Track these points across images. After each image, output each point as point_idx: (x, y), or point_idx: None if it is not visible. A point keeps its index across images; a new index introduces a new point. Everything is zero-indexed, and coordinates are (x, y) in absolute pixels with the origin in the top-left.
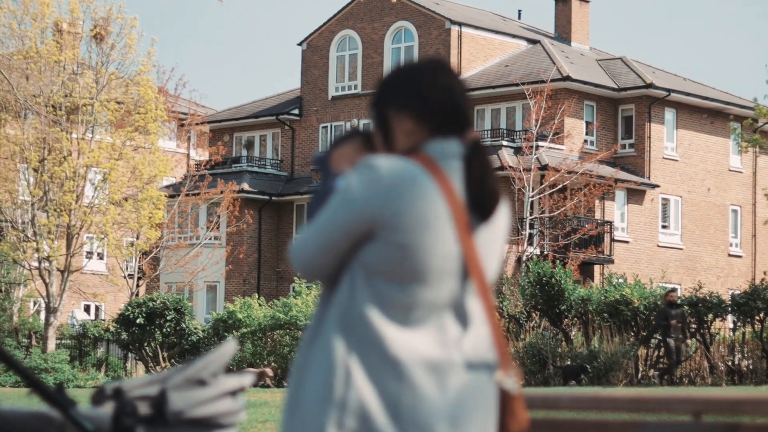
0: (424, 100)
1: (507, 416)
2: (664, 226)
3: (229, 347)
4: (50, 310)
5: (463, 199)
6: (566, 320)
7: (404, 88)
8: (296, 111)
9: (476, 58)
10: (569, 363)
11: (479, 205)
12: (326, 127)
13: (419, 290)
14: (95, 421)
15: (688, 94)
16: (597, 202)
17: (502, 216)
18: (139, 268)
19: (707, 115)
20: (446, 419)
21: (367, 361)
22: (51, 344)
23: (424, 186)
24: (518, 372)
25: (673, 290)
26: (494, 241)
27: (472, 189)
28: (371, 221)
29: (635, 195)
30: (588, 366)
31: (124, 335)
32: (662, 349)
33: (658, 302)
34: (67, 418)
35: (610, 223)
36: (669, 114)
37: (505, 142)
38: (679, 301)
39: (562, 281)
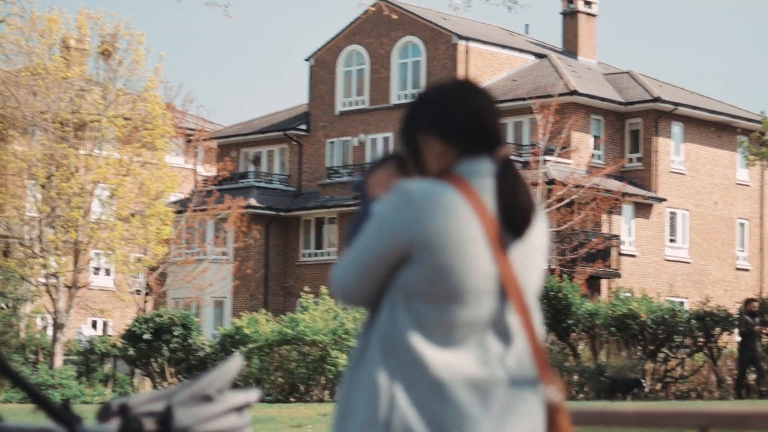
0: (452, 123)
1: (552, 430)
2: (671, 240)
3: (235, 363)
4: (57, 326)
5: (496, 216)
6: (573, 334)
7: (432, 110)
8: (304, 126)
9: (483, 73)
10: (622, 376)
11: (513, 221)
12: (333, 142)
13: (458, 310)
14: None
15: (695, 108)
16: (604, 216)
17: (539, 230)
18: (146, 284)
19: (714, 128)
20: None
21: (411, 383)
22: (58, 360)
23: (456, 206)
24: (563, 386)
25: (754, 299)
26: (532, 256)
27: (505, 206)
28: (406, 244)
29: (642, 209)
30: (643, 380)
31: (131, 351)
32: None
33: (739, 310)
34: None
35: (617, 237)
36: (676, 128)
37: (512, 157)
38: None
39: (569, 295)
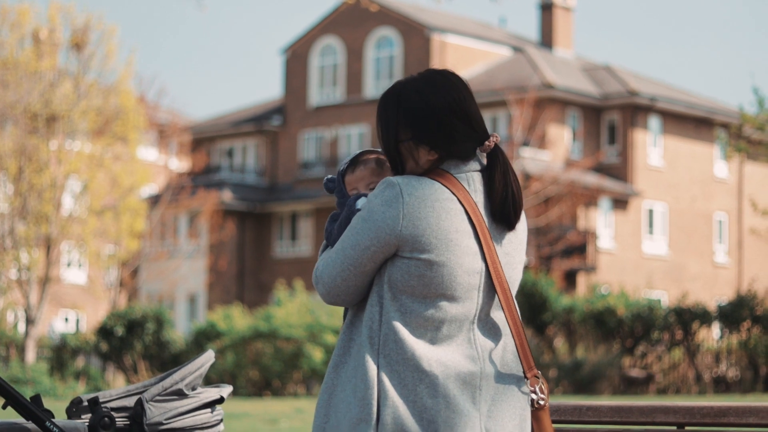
0: (437, 131)
1: (534, 429)
2: (649, 235)
3: (206, 358)
4: (29, 321)
5: (485, 211)
6: (551, 329)
7: (413, 117)
8: (278, 120)
9: (459, 66)
10: None
11: (504, 213)
12: (308, 136)
13: (447, 306)
14: None
15: (673, 102)
16: (581, 210)
17: (523, 224)
18: (119, 279)
19: (692, 122)
20: None
21: (401, 379)
22: (30, 355)
23: (445, 202)
24: (546, 383)
25: None
26: (516, 251)
27: (496, 198)
28: (396, 240)
29: (620, 203)
30: None
31: (104, 346)
32: (646, 357)
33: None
34: (44, 429)
35: (595, 232)
36: (654, 122)
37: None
38: None
39: (546, 290)
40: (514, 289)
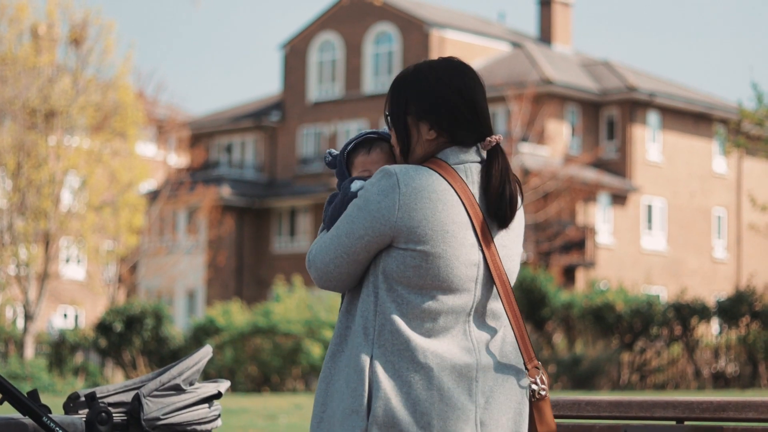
0: (446, 111)
1: (535, 420)
2: (647, 230)
3: (204, 353)
4: (28, 317)
5: (481, 205)
6: (549, 325)
7: (424, 95)
8: (277, 115)
9: None
10: None
11: (499, 212)
12: (307, 131)
13: (443, 298)
14: (69, 427)
15: (672, 97)
16: (580, 206)
17: (519, 217)
18: (117, 275)
19: (691, 118)
20: (475, 425)
21: (395, 369)
22: (29, 351)
23: (443, 193)
24: (546, 374)
25: None
26: (513, 243)
27: (491, 195)
28: (391, 231)
29: (619, 199)
30: None
31: (102, 342)
32: (646, 353)
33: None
34: (41, 425)
35: (593, 227)
36: (652, 117)
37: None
38: None
39: (545, 286)
40: (512, 281)
